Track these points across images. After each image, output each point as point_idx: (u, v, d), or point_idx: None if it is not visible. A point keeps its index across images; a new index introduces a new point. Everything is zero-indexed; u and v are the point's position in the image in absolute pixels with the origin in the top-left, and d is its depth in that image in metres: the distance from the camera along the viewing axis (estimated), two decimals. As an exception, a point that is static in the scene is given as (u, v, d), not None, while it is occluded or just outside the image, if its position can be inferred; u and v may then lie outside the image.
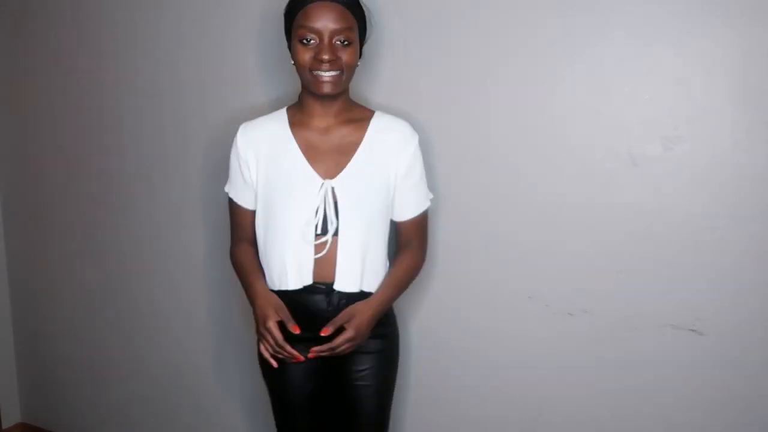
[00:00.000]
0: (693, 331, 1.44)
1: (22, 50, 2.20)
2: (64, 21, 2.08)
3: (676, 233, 1.42)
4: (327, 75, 1.35)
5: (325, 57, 1.33)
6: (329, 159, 1.43)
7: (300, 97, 1.48)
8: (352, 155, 1.43)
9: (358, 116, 1.47)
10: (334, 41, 1.34)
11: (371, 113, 1.49)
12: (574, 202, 1.50)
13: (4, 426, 2.46)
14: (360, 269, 1.44)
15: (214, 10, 1.82)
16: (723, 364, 1.43)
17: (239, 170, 1.48)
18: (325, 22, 1.33)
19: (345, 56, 1.36)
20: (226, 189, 1.54)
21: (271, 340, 1.38)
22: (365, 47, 1.50)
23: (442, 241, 1.64)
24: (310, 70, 1.36)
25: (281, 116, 1.49)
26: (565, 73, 1.46)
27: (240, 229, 1.54)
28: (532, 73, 1.49)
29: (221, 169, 1.92)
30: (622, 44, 1.40)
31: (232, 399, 2.04)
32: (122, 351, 2.22)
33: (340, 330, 1.38)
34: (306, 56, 1.35)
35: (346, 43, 1.35)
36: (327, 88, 1.37)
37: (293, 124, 1.46)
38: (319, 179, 1.41)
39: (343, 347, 1.38)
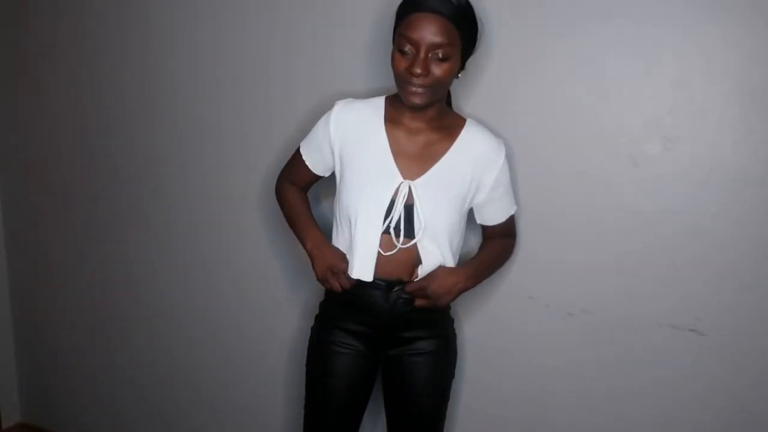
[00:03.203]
0: (693, 331, 1.44)
1: (24, 48, 2.19)
2: (70, 15, 2.08)
3: (676, 233, 1.42)
4: (416, 88, 1.33)
5: (417, 71, 1.31)
6: (413, 161, 1.42)
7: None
8: (437, 161, 1.42)
9: (449, 124, 1.46)
10: (430, 55, 1.31)
11: (463, 122, 1.47)
12: (574, 202, 1.50)
13: (4, 425, 2.46)
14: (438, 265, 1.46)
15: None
16: (723, 364, 1.43)
17: (320, 142, 1.49)
18: (424, 34, 1.30)
19: (439, 71, 1.32)
20: (301, 144, 1.55)
21: (344, 281, 1.45)
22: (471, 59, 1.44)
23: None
24: (403, 80, 1.34)
25: (379, 105, 1.47)
26: (564, 74, 1.46)
27: (296, 176, 1.58)
28: (531, 73, 1.49)
29: (240, 171, 1.91)
30: (622, 44, 1.40)
31: (235, 399, 2.04)
32: (123, 351, 2.22)
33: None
34: (401, 65, 1.33)
35: (442, 58, 1.32)
36: (415, 100, 1.35)
37: (387, 118, 1.45)
38: (399, 177, 1.41)
39: (420, 298, 1.44)
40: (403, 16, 1.34)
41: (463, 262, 1.50)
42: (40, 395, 2.47)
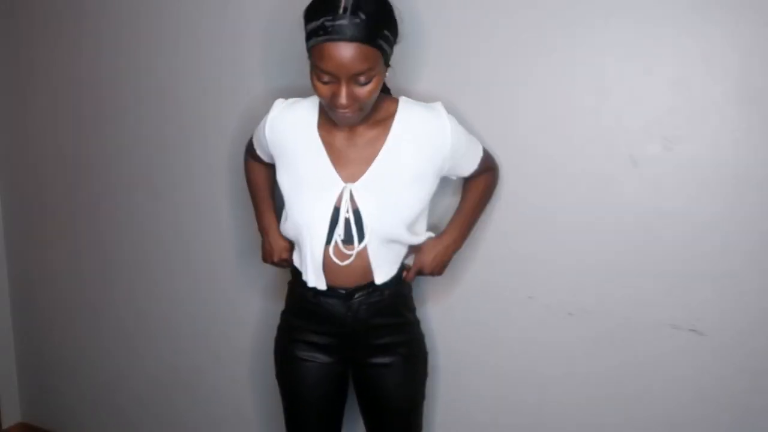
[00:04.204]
0: (693, 331, 1.44)
1: (24, 48, 2.19)
2: (65, 17, 2.08)
3: (676, 233, 1.42)
4: (344, 112, 1.27)
5: (342, 102, 1.23)
6: (354, 163, 1.37)
7: None
8: (375, 158, 1.37)
9: (385, 114, 1.39)
10: (351, 82, 1.23)
11: (395, 106, 1.39)
12: (574, 202, 1.50)
13: (4, 425, 2.46)
14: (398, 266, 1.47)
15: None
16: (723, 364, 1.43)
17: (261, 140, 1.48)
18: (340, 66, 1.19)
19: (364, 93, 1.25)
20: (253, 133, 1.55)
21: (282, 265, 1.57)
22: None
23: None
24: (329, 106, 1.28)
25: (314, 108, 1.42)
26: (564, 73, 1.46)
27: (255, 155, 1.58)
28: (531, 73, 1.49)
29: (230, 169, 1.92)
30: (622, 44, 1.40)
31: (233, 399, 2.04)
32: (123, 351, 2.22)
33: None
34: (325, 94, 1.26)
35: (365, 82, 1.24)
36: (347, 122, 1.31)
37: (321, 122, 1.40)
38: (340, 183, 1.37)
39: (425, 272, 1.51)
40: (314, 42, 1.22)
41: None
42: (40, 395, 2.47)
